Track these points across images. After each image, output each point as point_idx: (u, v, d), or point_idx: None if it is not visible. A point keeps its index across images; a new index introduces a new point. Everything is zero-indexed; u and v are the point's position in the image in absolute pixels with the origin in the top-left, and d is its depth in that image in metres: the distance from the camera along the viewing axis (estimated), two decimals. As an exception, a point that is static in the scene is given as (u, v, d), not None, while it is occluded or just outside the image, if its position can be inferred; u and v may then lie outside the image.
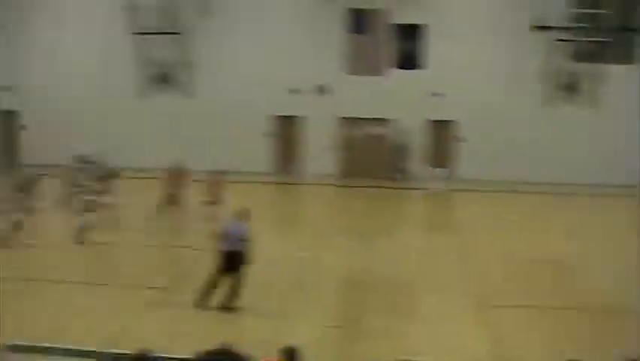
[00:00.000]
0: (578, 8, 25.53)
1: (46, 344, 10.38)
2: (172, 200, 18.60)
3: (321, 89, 27.29)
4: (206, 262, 12.90)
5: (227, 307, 12.25)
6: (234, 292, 12.32)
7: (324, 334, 11.31)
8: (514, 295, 13.73)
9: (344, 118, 27.51)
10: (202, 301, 12.38)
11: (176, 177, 18.90)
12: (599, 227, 19.88)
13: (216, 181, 18.65)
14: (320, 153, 27.42)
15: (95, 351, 10.27)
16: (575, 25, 25.46)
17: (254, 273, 12.59)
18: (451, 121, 27.20)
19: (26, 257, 15.51)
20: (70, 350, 10.28)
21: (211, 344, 7.67)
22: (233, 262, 12.20)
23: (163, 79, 28.06)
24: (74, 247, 16.29)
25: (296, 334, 10.81)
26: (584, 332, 11.73)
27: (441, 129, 27.31)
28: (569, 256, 16.55)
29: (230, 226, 12.42)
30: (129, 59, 27.67)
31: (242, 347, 7.69)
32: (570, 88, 26.65)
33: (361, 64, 26.81)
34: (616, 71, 25.75)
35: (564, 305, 13.08)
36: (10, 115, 29.41)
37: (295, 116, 27.74)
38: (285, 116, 27.83)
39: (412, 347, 10.77)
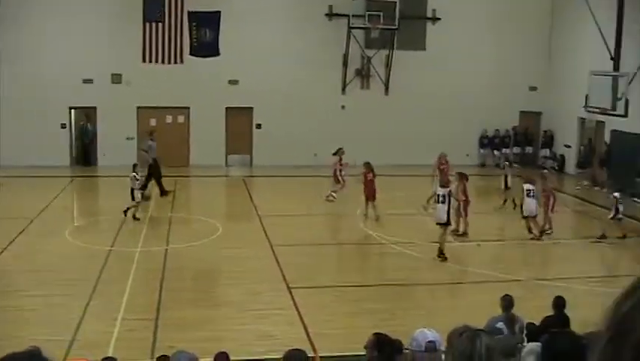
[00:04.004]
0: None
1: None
2: None
3: (118, 79, 26.89)
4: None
5: None
6: None
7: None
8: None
9: (142, 107, 27.25)
10: None
11: None
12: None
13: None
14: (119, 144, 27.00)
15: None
16: (367, 13, 26.79)
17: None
18: (248, 108, 27.76)
19: None
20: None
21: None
22: None
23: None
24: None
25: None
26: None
27: (239, 116, 27.84)
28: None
29: None
30: None
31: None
32: (364, 74, 28.23)
33: (158, 52, 26.69)
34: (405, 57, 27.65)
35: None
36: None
37: (93, 107, 27.06)
38: (82, 107, 27.08)
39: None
